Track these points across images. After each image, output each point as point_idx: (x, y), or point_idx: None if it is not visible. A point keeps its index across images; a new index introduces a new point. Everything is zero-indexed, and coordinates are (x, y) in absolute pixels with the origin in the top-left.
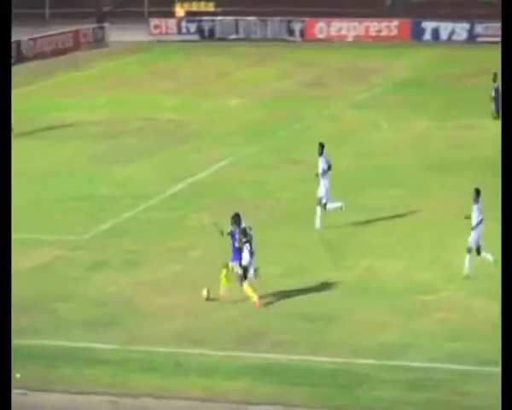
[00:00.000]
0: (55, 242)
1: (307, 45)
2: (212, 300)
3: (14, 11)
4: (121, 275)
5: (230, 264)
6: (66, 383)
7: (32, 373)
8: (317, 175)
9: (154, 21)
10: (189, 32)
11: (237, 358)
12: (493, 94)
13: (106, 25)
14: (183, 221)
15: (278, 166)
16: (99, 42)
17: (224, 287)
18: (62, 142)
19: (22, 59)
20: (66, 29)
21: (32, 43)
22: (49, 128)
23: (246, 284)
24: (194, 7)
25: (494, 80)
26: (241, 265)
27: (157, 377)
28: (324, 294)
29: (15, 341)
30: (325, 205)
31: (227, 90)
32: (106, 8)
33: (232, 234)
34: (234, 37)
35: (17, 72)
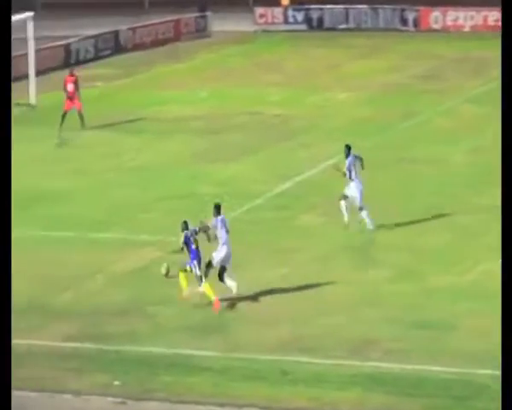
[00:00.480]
0: (155, 243)
1: (421, 36)
2: (318, 305)
3: (111, 0)
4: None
5: (189, 266)
6: (167, 392)
7: (130, 381)
8: (344, 175)
9: (259, 10)
10: (296, 22)
11: (347, 366)
12: None
13: (208, 14)
14: (290, 221)
15: (389, 164)
16: (201, 32)
17: (184, 289)
18: (162, 137)
19: (121, 50)
20: (167, 18)
21: (130, 33)
22: (149, 122)
23: (205, 284)
24: None
25: None
26: (200, 265)
27: (262, 386)
28: (438, 299)
29: (113, 347)
30: (361, 208)
31: (335, 83)
32: None
33: (186, 238)
34: (343, 26)
35: (115, 63)
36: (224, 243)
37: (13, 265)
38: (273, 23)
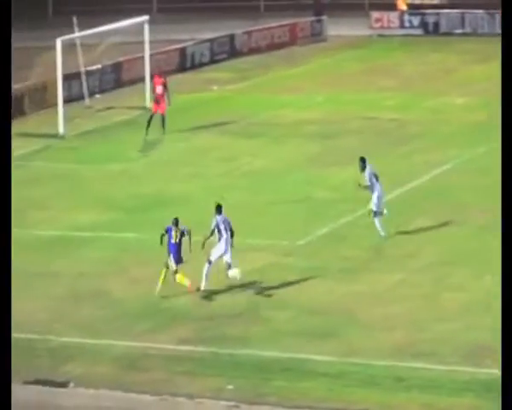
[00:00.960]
0: (269, 247)
1: None
2: (434, 311)
3: (227, 4)
4: (339, 283)
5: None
6: (280, 396)
7: (244, 385)
8: (363, 186)
9: (375, 15)
10: (411, 26)
11: (461, 373)
12: None
13: (324, 18)
14: (404, 227)
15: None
16: (317, 36)
17: (159, 285)
18: (278, 141)
19: (236, 54)
20: (283, 22)
21: (246, 36)
22: (264, 127)
23: (178, 275)
24: None
25: None
26: (175, 259)
27: (376, 391)
28: None
29: (227, 350)
30: (376, 213)
31: (451, 88)
32: (324, 0)
33: (168, 231)
34: (459, 31)
35: (231, 67)
36: (222, 241)
37: (129, 266)
38: (389, 27)
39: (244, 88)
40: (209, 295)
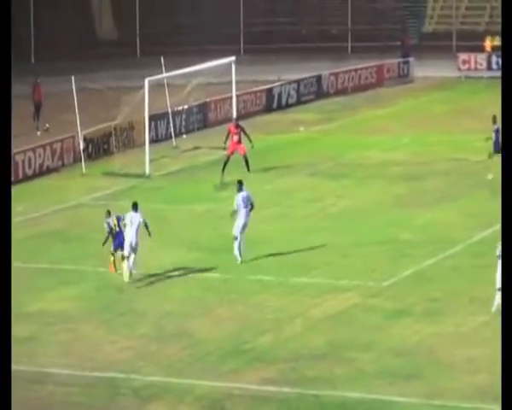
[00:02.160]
0: (354, 287)
1: None
2: None
3: (314, 45)
4: (423, 324)
5: (119, 251)
6: None
7: None
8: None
9: (462, 56)
10: (499, 68)
11: None
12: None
13: (411, 59)
14: (489, 269)
15: None
16: (404, 77)
17: (112, 271)
18: (364, 183)
19: (323, 94)
20: (370, 63)
21: (333, 77)
22: (350, 168)
23: (124, 262)
24: None
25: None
26: (122, 248)
27: None
28: None
29: (311, 391)
30: (236, 238)
31: None
32: (411, 42)
33: (108, 224)
34: None
35: (317, 108)
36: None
37: (214, 306)
38: (476, 69)
39: (330, 129)
40: (292, 335)
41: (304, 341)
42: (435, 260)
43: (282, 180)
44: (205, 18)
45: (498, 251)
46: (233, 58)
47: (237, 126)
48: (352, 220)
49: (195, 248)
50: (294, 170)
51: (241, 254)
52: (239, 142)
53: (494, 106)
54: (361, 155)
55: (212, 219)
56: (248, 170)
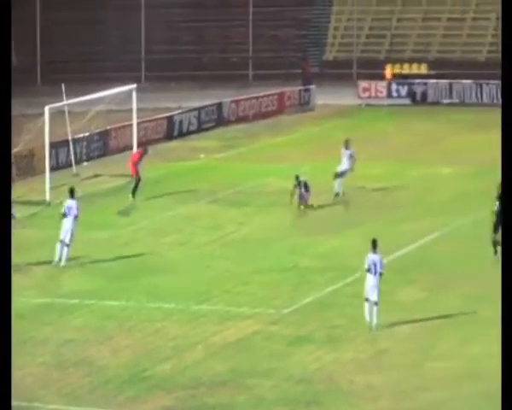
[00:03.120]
0: (255, 315)
1: None
2: (418, 379)
3: (217, 73)
4: (323, 351)
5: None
6: None
7: None
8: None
9: (362, 84)
10: (399, 96)
11: None
12: None
13: (312, 87)
14: (390, 295)
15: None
16: (304, 105)
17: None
18: (264, 210)
19: (224, 122)
20: (271, 91)
21: (234, 105)
22: (251, 195)
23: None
24: (406, 69)
25: None
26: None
27: None
28: None
29: None
30: None
31: (439, 157)
32: (312, 70)
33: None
34: (447, 101)
35: (218, 135)
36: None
37: (113, 334)
38: (376, 97)
39: (231, 156)
40: (193, 363)
41: (204, 368)
42: (336, 287)
43: (183, 207)
44: (106, 45)
45: (367, 265)
46: (134, 86)
47: (140, 152)
48: (252, 248)
49: (96, 275)
50: (195, 197)
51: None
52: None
53: (394, 134)
54: (261, 183)
55: (112, 246)
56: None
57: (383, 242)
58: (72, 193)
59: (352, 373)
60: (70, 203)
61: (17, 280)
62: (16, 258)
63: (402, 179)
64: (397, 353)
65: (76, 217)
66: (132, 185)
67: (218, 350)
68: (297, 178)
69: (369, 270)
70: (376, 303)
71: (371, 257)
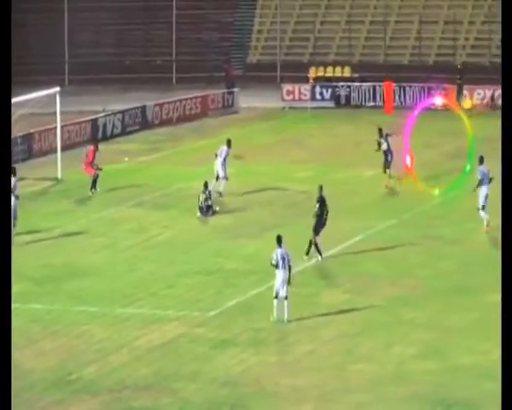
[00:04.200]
0: (180, 318)
1: (449, 114)
2: (343, 382)
3: (141, 75)
4: (248, 354)
5: None
6: None
7: None
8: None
9: (286, 87)
10: (323, 99)
11: None
12: None
13: (236, 90)
14: (313, 298)
15: (416, 241)
16: (228, 108)
17: None
18: (188, 213)
19: (148, 125)
20: (194, 94)
21: (157, 108)
22: (175, 198)
23: None
24: (330, 72)
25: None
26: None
27: None
28: (463, 378)
29: None
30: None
31: (362, 160)
32: (236, 73)
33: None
34: (371, 104)
35: (142, 138)
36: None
37: (38, 338)
38: (300, 100)
39: (155, 160)
40: (118, 366)
41: (129, 371)
42: (260, 289)
43: (107, 210)
44: (30, 48)
45: (275, 260)
46: (58, 89)
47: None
48: (177, 251)
49: (20, 278)
50: (119, 200)
51: None
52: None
53: (318, 136)
54: (186, 186)
55: (37, 249)
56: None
57: (305, 245)
58: (14, 172)
59: (277, 376)
60: (12, 182)
61: None
62: None
63: (324, 182)
64: (321, 355)
65: (17, 197)
66: (92, 181)
67: (142, 353)
68: (205, 185)
69: (277, 266)
70: (286, 298)
71: (279, 252)
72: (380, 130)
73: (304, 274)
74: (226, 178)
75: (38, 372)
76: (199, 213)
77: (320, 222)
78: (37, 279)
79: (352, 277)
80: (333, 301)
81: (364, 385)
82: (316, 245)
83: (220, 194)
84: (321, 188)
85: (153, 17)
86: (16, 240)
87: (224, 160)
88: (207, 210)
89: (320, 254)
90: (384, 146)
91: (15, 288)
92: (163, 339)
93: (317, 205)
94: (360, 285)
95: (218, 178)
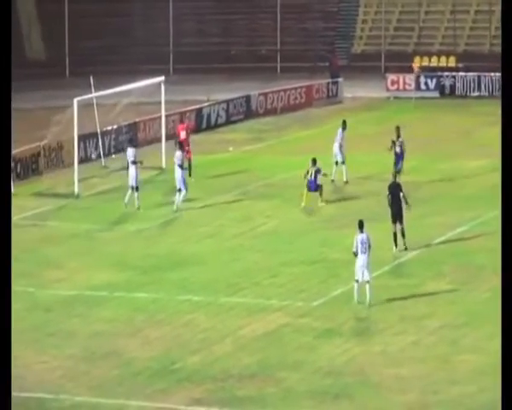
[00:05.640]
0: (283, 307)
1: None
2: (447, 373)
3: (243, 65)
4: (352, 344)
5: None
6: None
7: None
8: None
9: (391, 77)
10: (427, 89)
11: None
12: None
13: (340, 80)
14: (418, 288)
15: None
16: (332, 98)
17: None
18: (292, 203)
19: (252, 115)
20: (299, 84)
21: (262, 98)
22: (279, 188)
23: None
24: (434, 62)
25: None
26: None
27: None
28: None
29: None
30: None
31: (467, 150)
32: (340, 63)
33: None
34: (476, 94)
35: (247, 128)
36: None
37: (143, 326)
38: (405, 89)
39: (259, 149)
40: (222, 355)
41: (233, 360)
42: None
43: (212, 200)
44: (134, 38)
45: (354, 248)
46: (162, 78)
47: (183, 122)
48: (281, 240)
49: (125, 267)
50: (224, 190)
51: None
52: (186, 140)
53: (422, 127)
54: (290, 175)
55: (141, 238)
56: (191, 175)
57: (411, 235)
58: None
59: (381, 366)
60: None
61: (46, 273)
62: (45, 250)
63: (429, 173)
64: (425, 346)
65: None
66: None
67: (246, 343)
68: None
69: (356, 252)
70: (368, 281)
71: (359, 238)
72: (397, 128)
73: (408, 264)
74: (343, 162)
75: (143, 361)
76: (306, 190)
77: (394, 211)
78: (141, 268)
79: (458, 267)
80: (437, 292)
81: (469, 376)
82: (394, 234)
83: (345, 181)
84: (394, 175)
85: (257, 6)
86: (118, 229)
87: (340, 144)
88: (316, 188)
89: (396, 244)
90: (397, 149)
91: (120, 277)
92: (267, 328)
93: (388, 193)
94: (465, 276)
95: (337, 163)
